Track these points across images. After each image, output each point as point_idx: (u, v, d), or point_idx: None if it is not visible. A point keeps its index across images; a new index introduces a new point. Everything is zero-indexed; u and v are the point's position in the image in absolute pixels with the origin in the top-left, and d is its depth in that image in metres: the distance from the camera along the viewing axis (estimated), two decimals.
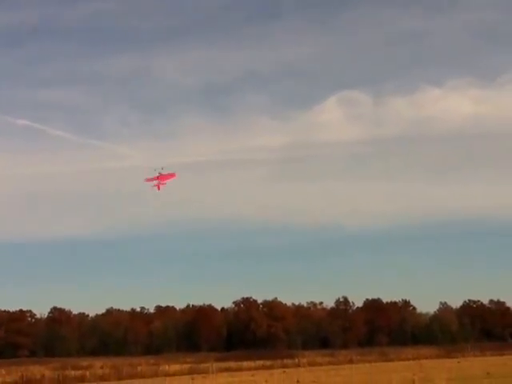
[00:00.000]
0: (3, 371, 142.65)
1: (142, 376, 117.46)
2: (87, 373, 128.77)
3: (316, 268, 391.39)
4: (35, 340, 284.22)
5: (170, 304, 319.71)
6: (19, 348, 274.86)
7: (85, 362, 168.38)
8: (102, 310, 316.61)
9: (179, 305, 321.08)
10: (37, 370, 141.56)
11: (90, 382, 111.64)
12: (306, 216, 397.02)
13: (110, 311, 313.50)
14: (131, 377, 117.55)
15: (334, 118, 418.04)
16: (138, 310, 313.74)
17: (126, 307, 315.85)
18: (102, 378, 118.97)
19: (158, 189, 54.73)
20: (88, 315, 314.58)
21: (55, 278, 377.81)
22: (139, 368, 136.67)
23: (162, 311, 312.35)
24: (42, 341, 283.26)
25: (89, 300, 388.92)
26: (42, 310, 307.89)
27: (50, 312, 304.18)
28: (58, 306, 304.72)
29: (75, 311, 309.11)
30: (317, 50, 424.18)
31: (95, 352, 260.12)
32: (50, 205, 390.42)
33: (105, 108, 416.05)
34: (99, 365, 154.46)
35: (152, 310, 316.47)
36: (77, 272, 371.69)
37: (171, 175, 54.80)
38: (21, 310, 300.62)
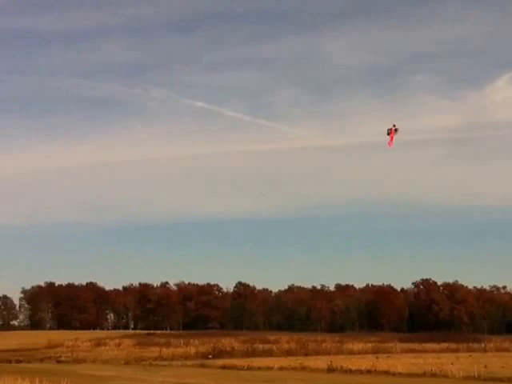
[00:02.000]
0: (197, 342, 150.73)
1: (327, 353, 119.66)
2: (274, 347, 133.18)
3: (495, 251, 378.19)
4: (223, 313, 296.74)
5: (349, 283, 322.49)
6: (209, 320, 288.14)
7: (272, 336, 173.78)
8: (283, 287, 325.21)
9: (357, 284, 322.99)
10: (227, 341, 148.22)
11: (277, 355, 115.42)
12: (484, 197, 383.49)
13: (291, 288, 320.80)
14: (317, 353, 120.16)
15: (507, 98, 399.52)
16: (319, 287, 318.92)
17: (307, 284, 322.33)
18: (289, 352, 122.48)
19: (390, 145, 54.97)
20: (271, 291, 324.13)
21: (240, 254, 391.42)
22: (324, 345, 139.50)
23: (342, 289, 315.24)
24: (230, 314, 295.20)
25: (271, 276, 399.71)
26: (227, 285, 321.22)
27: (236, 286, 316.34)
28: (243, 281, 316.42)
29: (258, 287, 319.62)
30: (485, 27, 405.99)
31: (280, 327, 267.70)
32: (226, 183, 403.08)
33: (275, 89, 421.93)
34: (285, 339, 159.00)
35: (332, 288, 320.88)
36: (259, 249, 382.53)
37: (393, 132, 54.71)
38: (208, 284, 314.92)
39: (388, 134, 54.09)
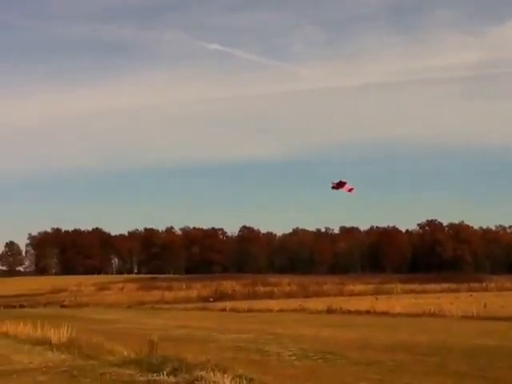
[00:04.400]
0: (199, 285, 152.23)
1: (328, 294, 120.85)
2: (275, 289, 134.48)
3: (503, 191, 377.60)
4: (227, 257, 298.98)
5: (354, 225, 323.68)
6: (213, 264, 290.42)
7: (273, 278, 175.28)
8: (288, 230, 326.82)
9: (363, 226, 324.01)
10: (229, 285, 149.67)
11: (278, 298, 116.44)
12: (498, 136, 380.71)
13: (296, 231, 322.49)
14: (317, 295, 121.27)
15: None
16: (323, 230, 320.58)
17: (311, 227, 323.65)
18: (289, 294, 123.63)
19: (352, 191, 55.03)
20: (275, 234, 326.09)
21: (244, 198, 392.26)
22: (325, 287, 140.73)
23: (347, 232, 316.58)
24: (234, 257, 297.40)
25: (276, 220, 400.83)
26: (232, 229, 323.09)
27: (240, 230, 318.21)
28: (248, 224, 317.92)
29: (263, 230, 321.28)
30: None
31: (283, 270, 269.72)
32: (237, 126, 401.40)
33: (291, 29, 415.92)
34: (286, 282, 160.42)
35: (336, 231, 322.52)
36: (263, 192, 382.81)
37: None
38: (213, 228, 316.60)
39: (335, 188, 53.22)
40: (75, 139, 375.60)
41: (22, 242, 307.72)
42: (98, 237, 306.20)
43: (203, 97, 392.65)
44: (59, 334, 35.69)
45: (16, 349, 34.90)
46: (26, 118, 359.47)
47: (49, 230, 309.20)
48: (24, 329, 42.53)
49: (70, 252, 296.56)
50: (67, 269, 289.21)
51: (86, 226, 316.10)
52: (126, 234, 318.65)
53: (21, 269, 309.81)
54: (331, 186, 52.34)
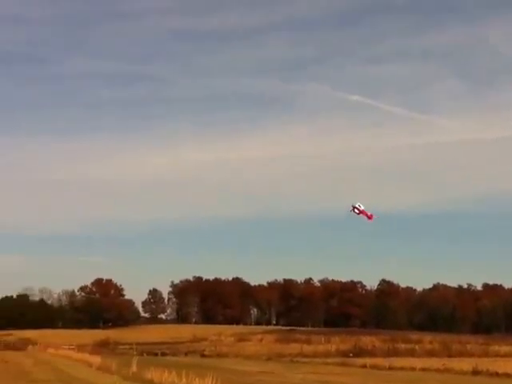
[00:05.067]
0: (337, 339, 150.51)
1: (472, 355, 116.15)
2: (416, 347, 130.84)
3: None
4: (365, 311, 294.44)
5: (498, 282, 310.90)
6: (351, 317, 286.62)
7: (414, 335, 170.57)
8: (428, 285, 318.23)
9: (507, 283, 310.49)
10: (368, 340, 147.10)
11: (420, 356, 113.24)
12: None
13: (436, 286, 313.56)
14: (460, 354, 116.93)
15: None
16: (465, 286, 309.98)
17: (453, 283, 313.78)
18: (431, 353, 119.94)
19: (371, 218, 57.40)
20: (415, 289, 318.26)
21: (384, 251, 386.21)
22: (468, 346, 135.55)
23: (490, 289, 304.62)
24: (372, 312, 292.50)
25: (416, 274, 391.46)
26: (371, 282, 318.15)
27: (379, 284, 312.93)
28: (387, 278, 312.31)
29: (403, 285, 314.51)
30: None
31: (422, 326, 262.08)
32: (377, 177, 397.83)
33: (432, 81, 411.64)
34: (428, 339, 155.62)
35: (479, 288, 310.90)
36: (404, 246, 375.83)
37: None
38: (352, 281, 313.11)
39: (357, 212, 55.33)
40: (216, 188, 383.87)
41: (165, 290, 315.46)
42: (238, 286, 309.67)
43: (342, 148, 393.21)
44: (203, 383, 36.20)
45: None
46: (173, 167, 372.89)
47: (190, 278, 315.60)
48: (169, 377, 43.19)
49: (210, 301, 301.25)
50: (207, 318, 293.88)
51: (227, 274, 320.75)
52: (265, 284, 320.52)
53: (163, 316, 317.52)
54: (351, 209, 54.20)
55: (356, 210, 55.50)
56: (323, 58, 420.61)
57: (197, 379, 37.46)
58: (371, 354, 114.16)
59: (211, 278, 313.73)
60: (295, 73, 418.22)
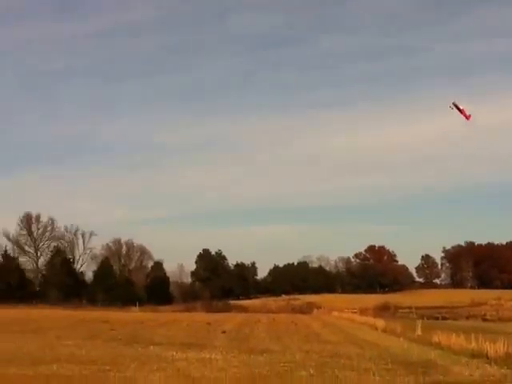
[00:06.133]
0: None
1: None
2: None
3: None
4: None
5: None
6: None
7: None
8: None
9: None
10: None
11: None
12: None
13: None
14: None
15: None
16: None
17: None
18: None
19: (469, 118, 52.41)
20: None
21: None
22: None
23: None
24: None
25: None
26: None
27: None
28: None
29: None
30: None
31: None
32: None
33: None
34: None
35: None
36: None
37: None
38: None
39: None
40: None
41: (437, 255, 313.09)
42: None
43: None
44: (495, 347, 35.86)
45: (453, 360, 35.14)
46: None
47: (462, 243, 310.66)
48: (456, 340, 42.92)
49: (484, 265, 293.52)
50: (482, 282, 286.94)
51: (500, 239, 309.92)
52: None
53: (437, 281, 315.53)
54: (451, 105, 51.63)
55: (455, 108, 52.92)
56: None
57: (487, 343, 37.10)
58: None
59: (483, 242, 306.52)
60: None
